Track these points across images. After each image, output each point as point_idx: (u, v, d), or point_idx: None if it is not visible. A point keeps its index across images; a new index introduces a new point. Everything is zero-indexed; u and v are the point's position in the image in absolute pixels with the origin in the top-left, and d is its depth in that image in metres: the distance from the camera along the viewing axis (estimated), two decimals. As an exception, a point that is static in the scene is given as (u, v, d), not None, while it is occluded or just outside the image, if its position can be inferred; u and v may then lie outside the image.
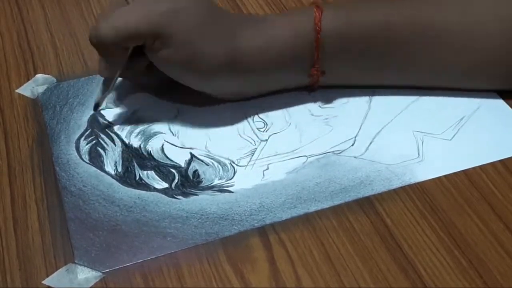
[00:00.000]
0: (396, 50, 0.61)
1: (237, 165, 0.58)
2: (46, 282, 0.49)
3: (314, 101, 0.64)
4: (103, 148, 0.59)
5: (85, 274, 0.49)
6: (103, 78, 0.62)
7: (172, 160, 0.58)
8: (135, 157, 0.58)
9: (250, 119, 0.62)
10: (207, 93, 0.62)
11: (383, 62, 0.62)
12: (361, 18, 0.60)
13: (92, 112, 0.62)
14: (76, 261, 0.50)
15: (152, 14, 0.56)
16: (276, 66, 0.60)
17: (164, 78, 0.60)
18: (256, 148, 0.59)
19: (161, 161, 0.58)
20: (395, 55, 0.61)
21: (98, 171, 0.57)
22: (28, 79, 0.67)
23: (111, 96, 0.63)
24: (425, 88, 0.64)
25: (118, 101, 0.64)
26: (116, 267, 0.50)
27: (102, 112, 0.63)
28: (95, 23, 0.59)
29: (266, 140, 0.60)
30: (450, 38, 0.60)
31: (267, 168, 0.58)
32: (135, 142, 0.60)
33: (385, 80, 0.64)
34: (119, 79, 0.62)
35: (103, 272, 0.50)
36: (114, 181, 0.56)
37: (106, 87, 0.61)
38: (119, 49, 0.58)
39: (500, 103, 0.64)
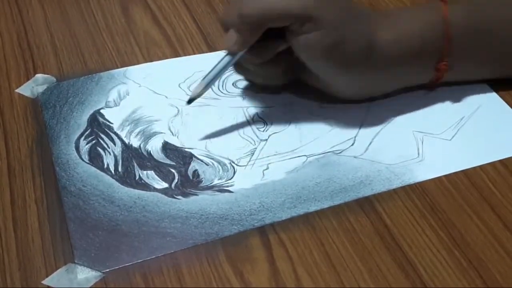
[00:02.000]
0: None
1: (237, 165, 0.58)
2: (45, 282, 0.49)
3: (315, 100, 0.64)
4: (103, 148, 0.59)
5: (85, 274, 0.49)
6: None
7: (171, 160, 0.58)
8: (134, 157, 0.58)
9: (250, 119, 0.62)
10: (332, 92, 0.62)
11: (506, 54, 0.62)
12: (486, 10, 0.61)
13: (92, 111, 0.62)
14: (76, 261, 0.50)
15: None
16: (406, 60, 0.60)
17: (283, 78, 0.62)
18: (256, 148, 0.59)
19: (161, 161, 0.58)
20: None
21: (98, 171, 0.57)
22: (28, 79, 0.67)
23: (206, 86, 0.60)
24: None
25: (118, 101, 0.64)
26: (116, 267, 0.50)
27: (101, 111, 0.63)
28: (232, 2, 0.59)
29: (266, 139, 0.60)
30: None
31: (267, 168, 0.57)
32: (135, 142, 0.60)
33: (504, 73, 0.64)
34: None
35: (103, 272, 0.49)
36: (113, 181, 0.56)
37: (211, 75, 0.59)
38: (260, 28, 0.57)
39: (499, 103, 0.64)
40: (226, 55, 0.59)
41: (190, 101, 0.59)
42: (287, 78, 0.63)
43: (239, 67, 0.62)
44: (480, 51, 0.62)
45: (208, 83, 0.59)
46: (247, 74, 0.64)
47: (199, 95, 0.59)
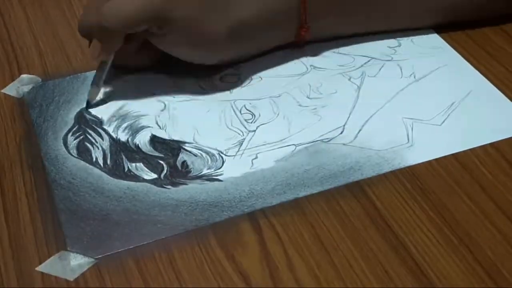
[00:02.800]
0: None
1: (225, 155, 0.63)
2: (39, 268, 0.53)
3: (302, 91, 0.69)
4: (91, 143, 0.64)
5: (77, 260, 0.54)
6: (93, 77, 0.68)
7: (160, 152, 0.63)
8: (123, 151, 0.63)
9: (237, 111, 0.67)
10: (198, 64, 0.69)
11: (368, 9, 0.70)
12: None
13: (79, 109, 0.68)
14: (68, 249, 0.55)
15: None
16: (268, 29, 0.67)
17: (153, 59, 0.68)
18: (244, 139, 0.64)
19: (149, 153, 0.63)
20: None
21: (87, 164, 0.62)
22: (13, 80, 0.72)
23: (102, 89, 0.68)
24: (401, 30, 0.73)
25: (104, 97, 0.69)
26: (108, 253, 0.54)
27: (89, 109, 0.68)
28: (86, 10, 0.66)
29: (254, 130, 0.65)
30: None
31: (256, 157, 0.62)
32: (122, 136, 0.65)
33: (369, 28, 0.72)
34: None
35: (95, 258, 0.54)
36: (103, 173, 0.61)
37: (97, 80, 0.67)
38: (119, 34, 0.64)
39: (490, 88, 0.68)
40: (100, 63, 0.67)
41: (88, 106, 0.67)
42: (152, 59, 0.70)
43: None
44: (342, 9, 0.70)
45: (95, 88, 0.67)
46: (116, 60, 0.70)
47: (92, 98, 0.67)
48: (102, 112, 0.67)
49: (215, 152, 0.63)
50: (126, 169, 0.61)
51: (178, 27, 0.64)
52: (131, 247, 0.55)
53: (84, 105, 0.68)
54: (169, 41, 0.65)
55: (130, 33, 0.64)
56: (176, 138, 0.64)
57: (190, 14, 0.64)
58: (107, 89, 0.70)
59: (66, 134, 0.65)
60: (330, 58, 0.73)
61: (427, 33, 0.75)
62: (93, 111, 0.67)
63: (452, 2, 0.72)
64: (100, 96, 0.68)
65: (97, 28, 0.63)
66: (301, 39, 0.71)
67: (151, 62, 0.70)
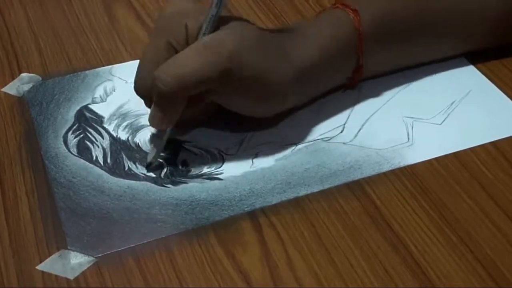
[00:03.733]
0: (428, 30, 0.68)
1: (225, 154, 0.63)
2: (40, 267, 0.54)
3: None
4: (91, 142, 0.64)
5: (78, 259, 0.54)
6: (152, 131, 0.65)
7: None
8: (123, 149, 0.63)
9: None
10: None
11: (416, 44, 0.69)
12: (393, 10, 0.66)
13: (79, 107, 0.68)
14: (68, 247, 0.55)
15: (217, 57, 0.57)
16: (326, 72, 0.65)
17: (212, 113, 0.64)
18: (244, 138, 0.64)
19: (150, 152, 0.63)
20: (428, 35, 0.68)
21: (87, 163, 0.62)
22: (13, 79, 0.72)
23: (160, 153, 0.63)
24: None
25: (104, 97, 0.69)
26: (108, 252, 0.55)
27: (89, 106, 0.68)
28: (141, 73, 0.60)
29: (254, 129, 0.65)
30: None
31: (256, 156, 0.63)
32: (122, 135, 0.65)
33: (417, 60, 0.70)
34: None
35: (95, 257, 0.54)
36: (103, 172, 0.61)
37: (159, 144, 0.62)
38: (181, 101, 0.58)
39: (490, 87, 0.69)
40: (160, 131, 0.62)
41: (148, 167, 0.62)
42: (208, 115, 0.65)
43: None
44: (390, 47, 0.68)
45: (158, 153, 0.62)
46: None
47: (153, 162, 0.62)
48: (102, 110, 0.67)
49: (215, 151, 0.63)
50: (126, 168, 0.61)
51: (243, 84, 0.59)
52: (131, 245, 0.55)
53: (84, 104, 0.69)
54: (234, 98, 0.61)
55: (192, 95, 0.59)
56: (176, 137, 0.64)
57: (257, 69, 0.59)
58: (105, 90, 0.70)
59: (66, 133, 0.65)
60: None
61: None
62: (94, 109, 0.68)
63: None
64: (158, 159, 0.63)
65: (155, 93, 0.58)
66: (354, 82, 0.68)
67: (206, 118, 0.65)
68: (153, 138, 0.64)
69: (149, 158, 0.61)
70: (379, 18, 0.65)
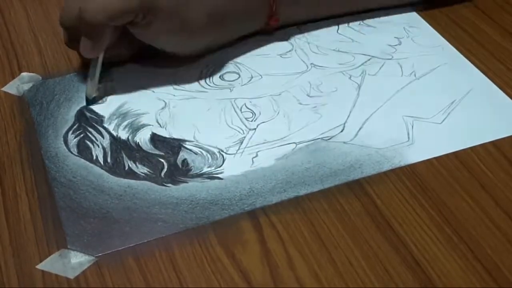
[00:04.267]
0: None
1: (226, 153, 0.63)
2: (40, 266, 0.54)
3: (302, 89, 0.69)
4: (91, 141, 0.64)
5: (78, 258, 0.54)
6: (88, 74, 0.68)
7: (160, 151, 0.63)
8: (123, 149, 0.63)
9: (238, 110, 0.67)
10: (170, 52, 0.70)
11: None
12: None
13: (79, 107, 0.68)
14: (69, 247, 0.55)
15: None
16: (241, 17, 0.70)
17: (136, 48, 0.69)
18: (244, 137, 0.64)
19: (150, 151, 0.63)
20: None
21: (87, 162, 0.62)
22: (13, 78, 0.72)
23: (98, 85, 0.69)
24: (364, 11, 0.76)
25: (102, 93, 0.69)
26: (108, 251, 0.55)
27: (88, 107, 0.68)
28: (68, 2, 0.65)
29: (255, 129, 0.65)
30: None
31: (256, 155, 0.63)
32: (123, 134, 0.65)
33: (336, 10, 0.75)
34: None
35: (95, 256, 0.54)
36: (103, 171, 0.61)
37: (91, 75, 0.67)
38: (105, 28, 0.64)
39: (490, 86, 0.69)
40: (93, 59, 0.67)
41: (88, 102, 0.67)
42: (130, 52, 0.71)
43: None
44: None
45: (92, 83, 0.67)
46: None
47: (90, 94, 0.67)
48: (102, 110, 0.67)
49: (215, 151, 0.63)
50: (126, 167, 0.61)
51: (162, 15, 0.64)
52: (132, 245, 0.55)
53: (84, 103, 0.68)
54: (152, 30, 0.65)
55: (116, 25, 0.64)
56: (176, 136, 0.64)
57: (174, 2, 0.65)
58: (103, 85, 0.70)
59: (67, 132, 0.65)
60: (331, 57, 0.73)
61: (409, 11, 0.78)
62: (94, 109, 0.68)
63: None
64: (97, 92, 0.68)
65: (82, 24, 0.63)
66: (270, 27, 0.74)
67: (130, 53, 0.71)
68: (89, 73, 0.68)
69: (87, 91, 0.66)
70: None
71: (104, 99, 0.68)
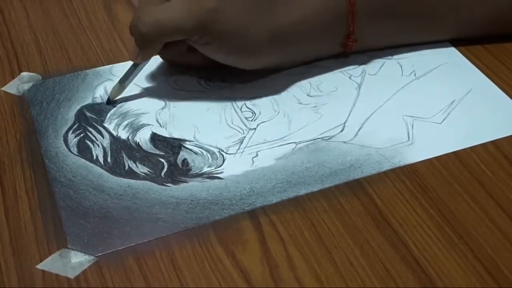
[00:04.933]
0: (424, 5, 0.69)
1: (226, 153, 0.63)
2: (40, 266, 0.54)
3: (302, 89, 0.69)
4: (91, 141, 0.64)
5: (78, 258, 0.54)
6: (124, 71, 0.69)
7: (160, 150, 0.63)
8: (123, 149, 0.63)
9: (238, 109, 0.67)
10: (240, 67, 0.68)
11: (413, 19, 0.69)
12: None
13: (79, 107, 0.68)
14: (69, 246, 0.55)
15: (197, 10, 0.62)
16: (310, 38, 0.67)
17: (205, 58, 0.67)
18: (244, 137, 0.64)
19: (150, 151, 0.63)
20: (425, 10, 0.69)
21: (87, 162, 0.62)
22: (13, 78, 0.72)
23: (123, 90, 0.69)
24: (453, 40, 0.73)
25: (105, 96, 0.69)
26: (109, 251, 0.55)
27: (89, 106, 0.68)
28: (137, 12, 0.64)
29: (255, 128, 0.65)
30: None
31: (256, 155, 0.63)
32: (123, 134, 0.65)
33: (415, 38, 0.72)
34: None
35: (96, 256, 0.54)
36: (103, 171, 0.61)
37: (125, 78, 0.67)
38: (156, 43, 0.64)
39: (490, 86, 0.69)
40: (133, 64, 0.67)
41: (108, 102, 0.67)
42: (207, 61, 0.69)
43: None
44: (386, 21, 0.69)
45: (123, 87, 0.68)
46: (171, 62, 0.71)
47: (115, 96, 0.67)
48: (102, 109, 0.68)
49: (215, 150, 0.63)
50: (126, 167, 0.61)
51: (220, 37, 0.64)
52: (132, 245, 0.55)
53: (84, 103, 0.69)
54: (210, 49, 0.65)
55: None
56: (176, 136, 0.64)
57: (234, 25, 0.63)
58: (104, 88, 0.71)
59: (67, 132, 0.65)
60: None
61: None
62: (94, 109, 0.68)
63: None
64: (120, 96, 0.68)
65: (135, 31, 0.64)
66: (348, 50, 0.71)
67: (203, 60, 0.69)
68: (122, 76, 0.68)
69: (111, 93, 0.67)
70: None
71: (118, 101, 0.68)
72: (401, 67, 0.71)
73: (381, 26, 0.69)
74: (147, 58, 0.66)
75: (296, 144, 0.63)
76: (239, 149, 0.63)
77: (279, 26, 0.65)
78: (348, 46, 0.70)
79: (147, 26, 0.63)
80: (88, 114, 0.67)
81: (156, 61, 0.73)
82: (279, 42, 0.66)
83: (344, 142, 0.64)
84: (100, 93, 0.70)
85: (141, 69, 0.68)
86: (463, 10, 0.70)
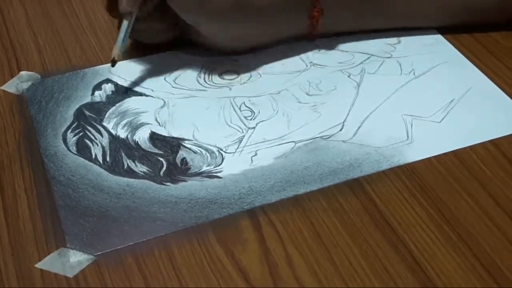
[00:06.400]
0: None
1: (225, 152, 0.63)
2: (39, 265, 0.54)
3: (302, 88, 0.69)
4: (90, 140, 0.64)
5: (77, 257, 0.54)
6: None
7: (159, 149, 0.63)
8: (122, 147, 0.63)
9: (237, 108, 0.67)
10: (211, 46, 0.69)
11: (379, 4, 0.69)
12: None
13: (78, 105, 0.68)
14: (68, 246, 0.55)
15: None
16: (276, 9, 0.67)
17: (167, 34, 0.69)
18: (243, 136, 0.64)
19: (149, 150, 0.63)
20: None
21: (86, 161, 0.62)
22: (12, 77, 0.72)
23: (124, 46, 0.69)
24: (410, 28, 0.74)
25: (104, 95, 0.69)
26: (108, 250, 0.55)
27: (88, 105, 0.68)
28: None
29: (254, 127, 0.65)
30: None
31: (255, 154, 0.63)
32: (122, 133, 0.65)
33: (380, 24, 0.72)
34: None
35: (94, 255, 0.54)
36: (102, 170, 0.61)
37: (123, 36, 0.68)
38: None
39: (489, 85, 0.69)
40: (124, 18, 0.68)
41: (113, 63, 0.67)
42: (171, 34, 0.71)
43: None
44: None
45: (122, 43, 0.68)
46: (135, 34, 0.71)
47: (118, 55, 0.67)
48: (101, 108, 0.68)
49: (214, 149, 0.63)
50: (125, 166, 0.61)
51: None
52: (131, 244, 0.55)
53: (83, 102, 0.69)
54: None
55: None
56: (175, 135, 0.64)
57: None
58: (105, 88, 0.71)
59: (66, 131, 0.65)
60: (330, 55, 0.73)
61: (429, 32, 0.76)
62: (93, 108, 0.68)
63: (464, 5, 0.72)
64: (122, 54, 0.68)
65: None
66: (315, 23, 0.71)
67: (169, 38, 0.71)
68: (119, 35, 0.68)
69: (114, 52, 0.67)
70: None
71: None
72: (400, 65, 0.71)
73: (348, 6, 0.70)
74: (137, 4, 0.67)
75: (295, 143, 0.63)
76: (238, 148, 0.63)
77: None
78: (315, 17, 0.70)
79: None
80: (87, 113, 0.67)
81: (155, 60, 0.73)
82: (243, 9, 0.66)
83: (343, 141, 0.63)
84: (99, 91, 0.69)
85: (132, 22, 0.68)
86: None
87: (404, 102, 0.67)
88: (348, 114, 0.66)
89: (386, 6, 0.72)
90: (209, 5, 0.66)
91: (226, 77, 0.71)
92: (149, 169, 0.61)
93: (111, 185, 0.60)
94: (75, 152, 0.63)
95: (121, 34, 0.68)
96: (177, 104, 0.68)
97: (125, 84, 0.70)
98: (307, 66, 0.72)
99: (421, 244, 0.54)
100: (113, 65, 0.67)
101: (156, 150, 0.63)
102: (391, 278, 0.52)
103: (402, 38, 0.75)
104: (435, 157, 0.62)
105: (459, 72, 0.71)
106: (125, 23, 0.68)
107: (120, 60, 0.68)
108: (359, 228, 0.56)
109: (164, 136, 0.64)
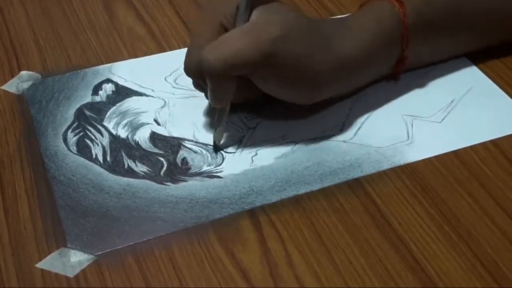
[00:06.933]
0: (471, 20, 0.68)
1: (225, 152, 0.63)
2: (39, 265, 0.54)
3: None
4: (91, 140, 0.64)
5: (77, 257, 0.54)
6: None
7: (160, 149, 0.63)
8: (123, 147, 0.63)
9: (237, 108, 0.67)
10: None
11: (461, 34, 0.69)
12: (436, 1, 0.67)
13: (78, 105, 0.68)
14: (68, 246, 0.55)
15: (263, 42, 0.58)
16: (366, 65, 0.65)
17: (256, 95, 0.64)
18: (244, 136, 0.64)
19: (149, 150, 0.63)
20: (472, 24, 0.69)
21: (87, 161, 0.62)
22: (13, 77, 0.72)
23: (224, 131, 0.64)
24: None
25: (104, 95, 0.69)
26: (108, 250, 0.55)
27: (88, 105, 0.68)
28: (202, 54, 0.59)
29: (254, 127, 0.65)
30: None
31: (256, 154, 0.63)
32: (122, 133, 0.65)
33: (462, 49, 0.71)
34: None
35: (95, 255, 0.54)
36: (103, 170, 0.61)
37: (221, 121, 0.63)
38: (228, 78, 0.59)
39: (489, 84, 0.69)
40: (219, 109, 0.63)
41: (216, 149, 0.63)
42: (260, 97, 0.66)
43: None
44: (437, 38, 0.68)
45: (219, 130, 0.63)
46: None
47: (219, 139, 0.63)
48: (102, 108, 0.68)
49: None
50: (126, 166, 0.61)
51: (283, 68, 0.60)
52: (131, 243, 0.55)
53: (84, 102, 0.69)
54: (272, 82, 0.61)
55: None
56: (176, 135, 0.64)
57: (298, 57, 0.60)
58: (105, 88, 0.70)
59: (66, 131, 0.65)
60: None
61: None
62: (93, 108, 0.68)
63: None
64: (224, 138, 0.64)
65: (205, 75, 0.60)
66: (399, 71, 0.69)
67: (255, 97, 0.66)
68: (216, 119, 0.64)
69: (215, 137, 0.63)
70: (421, 8, 0.66)
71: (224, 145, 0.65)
72: (400, 66, 0.71)
73: (434, 43, 0.69)
74: (229, 99, 0.62)
75: (296, 143, 0.63)
76: (238, 147, 0.63)
77: (338, 55, 0.62)
78: (399, 67, 0.68)
79: (213, 64, 0.58)
80: (87, 113, 0.67)
81: (155, 60, 0.73)
82: (339, 73, 0.63)
83: (343, 141, 0.63)
84: (100, 91, 0.69)
85: (228, 111, 0.63)
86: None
87: (404, 102, 0.67)
88: (348, 114, 0.66)
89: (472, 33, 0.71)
90: (307, 84, 0.63)
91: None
92: (150, 169, 0.61)
93: (112, 185, 0.60)
94: (76, 152, 0.63)
95: (218, 121, 0.63)
96: (178, 104, 0.68)
97: (126, 84, 0.70)
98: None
99: (421, 244, 0.54)
100: (216, 151, 0.63)
101: (156, 150, 0.63)
102: (392, 278, 0.52)
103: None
104: (435, 157, 0.62)
105: (459, 72, 0.71)
106: (220, 112, 0.63)
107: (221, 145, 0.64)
108: (360, 228, 0.56)
109: (165, 136, 0.64)
